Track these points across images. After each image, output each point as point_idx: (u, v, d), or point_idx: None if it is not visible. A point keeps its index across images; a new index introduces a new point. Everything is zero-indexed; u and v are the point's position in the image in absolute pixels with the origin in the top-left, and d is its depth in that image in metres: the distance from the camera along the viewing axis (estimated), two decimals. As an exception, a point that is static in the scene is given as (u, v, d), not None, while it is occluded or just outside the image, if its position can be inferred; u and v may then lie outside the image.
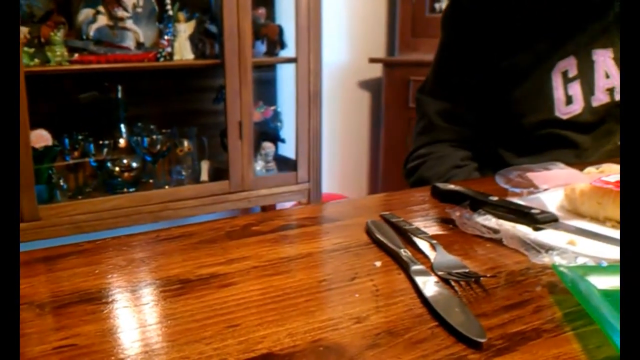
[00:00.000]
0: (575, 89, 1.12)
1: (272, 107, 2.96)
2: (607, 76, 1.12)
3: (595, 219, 0.70)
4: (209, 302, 0.52)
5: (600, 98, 1.11)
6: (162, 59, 2.51)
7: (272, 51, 2.80)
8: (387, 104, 3.18)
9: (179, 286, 0.55)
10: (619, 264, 0.58)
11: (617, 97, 1.12)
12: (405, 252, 0.60)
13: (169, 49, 2.53)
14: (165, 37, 2.54)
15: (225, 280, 0.56)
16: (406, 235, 0.67)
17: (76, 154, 2.44)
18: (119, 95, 2.58)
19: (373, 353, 0.44)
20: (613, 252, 0.58)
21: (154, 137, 2.53)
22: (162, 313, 0.51)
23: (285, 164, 2.85)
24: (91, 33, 2.43)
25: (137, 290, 0.55)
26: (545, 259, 0.59)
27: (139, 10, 2.53)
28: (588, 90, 1.12)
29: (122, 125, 2.59)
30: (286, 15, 2.84)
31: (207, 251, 0.64)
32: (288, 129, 2.93)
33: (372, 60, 3.22)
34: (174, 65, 2.59)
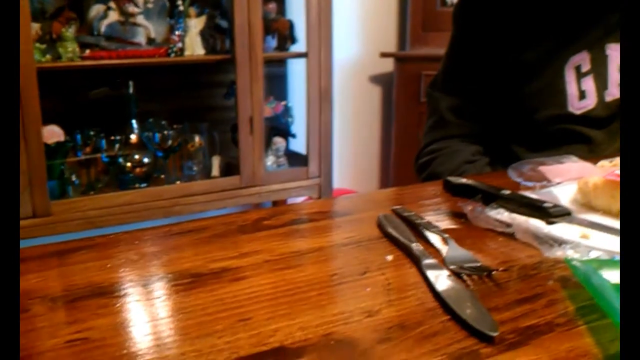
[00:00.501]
0: (589, 84, 1.11)
1: (283, 102, 2.95)
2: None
3: (608, 213, 0.70)
4: (220, 296, 0.52)
5: (613, 93, 1.10)
6: (173, 55, 2.52)
7: (282, 46, 2.79)
8: (399, 98, 3.17)
9: (190, 280, 0.55)
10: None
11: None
12: (417, 246, 0.60)
13: (179, 45, 2.54)
14: (176, 33, 2.54)
15: (237, 274, 0.56)
16: (418, 230, 0.66)
17: (88, 149, 2.45)
18: (130, 91, 2.59)
19: (385, 347, 0.44)
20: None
21: (165, 132, 2.54)
22: (174, 307, 0.51)
23: (296, 159, 2.85)
24: (102, 29, 2.44)
25: (149, 284, 0.56)
26: (558, 253, 0.58)
27: (150, 5, 2.54)
28: (601, 85, 1.11)
29: (134, 121, 2.60)
30: (297, 9, 2.83)
31: (219, 245, 0.64)
32: (299, 124, 2.93)
33: (384, 55, 3.21)
34: (184, 60, 2.59)
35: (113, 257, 0.62)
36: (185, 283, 0.55)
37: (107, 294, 0.53)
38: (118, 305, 0.51)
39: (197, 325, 0.47)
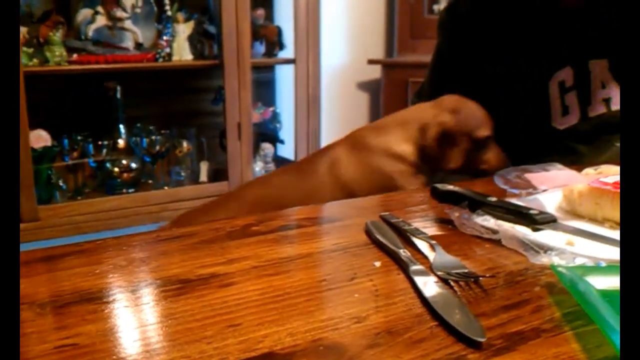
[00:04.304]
0: (572, 100, 1.12)
1: (271, 108, 2.96)
2: (604, 86, 1.12)
3: (593, 220, 0.70)
4: (209, 302, 0.52)
5: (596, 108, 1.12)
6: (160, 60, 2.52)
7: (271, 52, 2.80)
8: (386, 105, 3.18)
9: (179, 286, 0.55)
10: (617, 264, 0.58)
11: (614, 107, 1.12)
12: (404, 253, 0.60)
13: (167, 50, 2.54)
14: (164, 38, 2.54)
15: (225, 280, 0.56)
16: (405, 236, 0.67)
17: (75, 154, 2.45)
18: (118, 95, 2.58)
19: (373, 352, 0.44)
20: (611, 253, 0.59)
21: (153, 137, 2.54)
22: (163, 313, 0.51)
23: (284, 165, 2.85)
24: (90, 33, 2.44)
25: (138, 289, 0.56)
26: (544, 260, 0.59)
27: (138, 10, 2.54)
28: (584, 100, 1.12)
29: (121, 126, 2.60)
30: (285, 16, 2.84)
31: (207, 251, 0.64)
32: (287, 130, 2.93)
33: (371, 62, 3.23)
34: (172, 65, 2.60)
35: (101, 263, 0.62)
36: (174, 289, 0.55)
37: (95, 300, 0.53)
38: (107, 311, 0.51)
39: (186, 331, 0.47)
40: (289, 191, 1.03)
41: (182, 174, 2.67)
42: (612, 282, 0.53)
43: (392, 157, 0.99)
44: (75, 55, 2.37)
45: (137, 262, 0.62)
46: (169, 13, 2.57)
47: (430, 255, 0.61)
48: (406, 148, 1.01)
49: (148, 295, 0.55)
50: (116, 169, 2.52)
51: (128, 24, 2.51)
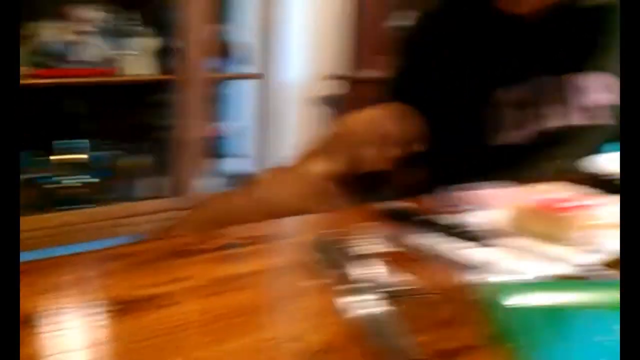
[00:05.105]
0: (521, 115, 1.15)
1: (231, 123, 2.96)
2: (552, 102, 1.16)
3: (530, 236, 0.72)
4: (149, 323, 0.52)
5: (545, 123, 1.15)
6: (120, 74, 2.50)
7: (230, 67, 2.80)
8: (348, 120, 3.19)
9: (120, 307, 0.55)
10: (547, 280, 0.60)
11: (562, 122, 1.15)
12: (346, 270, 0.61)
13: (126, 64, 2.52)
14: (123, 52, 2.53)
15: (166, 300, 0.56)
16: (347, 254, 0.68)
17: (31, 169, 2.41)
18: (77, 110, 2.56)
19: (308, 372, 0.45)
20: (542, 269, 0.60)
21: (112, 152, 2.52)
22: (102, 335, 0.51)
23: (242, 181, 2.85)
24: (51, 47, 2.41)
25: (76, 311, 0.55)
26: (481, 276, 0.60)
27: (99, 25, 2.52)
28: (535, 115, 1.15)
29: (79, 141, 2.57)
30: (246, 31, 2.85)
31: (150, 271, 0.63)
32: (247, 145, 2.93)
33: (332, 77, 3.25)
34: (131, 80, 2.58)
35: (37, 285, 0.60)
36: (115, 310, 0.55)
37: (30, 322, 0.52)
38: (42, 333, 0.51)
39: (125, 354, 0.47)
40: (234, 212, 1.04)
41: (139, 188, 2.65)
42: (541, 298, 0.55)
43: (330, 180, 1.02)
44: (36, 70, 2.34)
45: (76, 282, 0.62)
46: (129, 28, 2.55)
47: (372, 272, 0.62)
48: (342, 167, 1.03)
49: (87, 316, 0.54)
50: (74, 183, 2.49)
51: (89, 38, 2.49)
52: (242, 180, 2.84)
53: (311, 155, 1.04)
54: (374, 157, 1.00)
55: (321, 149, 1.04)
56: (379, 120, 1.05)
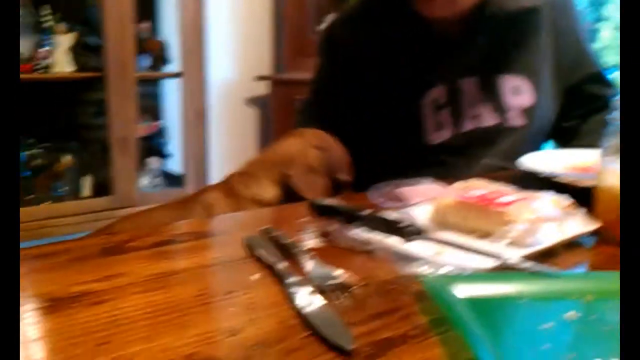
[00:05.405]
0: (445, 116, 1.18)
1: (158, 122, 2.91)
2: (474, 104, 1.19)
3: (461, 231, 0.74)
4: (79, 320, 0.51)
5: (468, 124, 1.18)
6: (41, 71, 2.42)
7: (156, 66, 2.76)
8: (275, 120, 3.20)
9: (49, 304, 0.54)
10: (480, 273, 0.62)
11: (483, 123, 1.19)
12: (281, 265, 0.61)
13: (47, 61, 2.44)
14: (44, 49, 2.45)
15: (97, 297, 0.55)
16: (284, 249, 0.68)
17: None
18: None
19: (245, 364, 0.45)
20: (475, 261, 0.62)
21: (33, 151, 2.43)
22: (31, 332, 0.49)
23: (172, 180, 2.81)
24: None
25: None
26: (413, 269, 0.62)
27: (15, 20, 2.43)
28: (456, 117, 1.19)
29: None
30: (170, 30, 2.81)
31: (80, 268, 0.62)
32: (174, 144, 2.89)
33: (259, 78, 3.25)
34: (53, 77, 2.50)
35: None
36: (43, 307, 0.53)
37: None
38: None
39: (54, 350, 0.46)
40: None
41: (64, 188, 2.57)
42: (475, 289, 0.57)
43: (260, 205, 1.03)
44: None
45: (4, 281, 0.60)
46: (49, 24, 2.48)
47: (307, 267, 0.63)
48: (274, 192, 1.04)
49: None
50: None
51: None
52: (170, 179, 2.80)
53: (244, 178, 1.05)
54: (302, 185, 1.02)
55: (253, 173, 1.05)
56: (304, 150, 1.06)
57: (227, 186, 1.05)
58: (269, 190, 1.02)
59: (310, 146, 1.07)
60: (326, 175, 1.06)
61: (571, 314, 0.53)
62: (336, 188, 1.08)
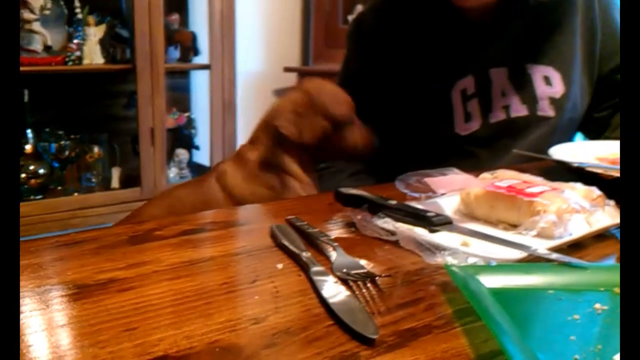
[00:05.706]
0: (474, 107, 1.17)
1: (186, 114, 2.93)
2: (503, 94, 1.18)
3: (488, 222, 0.74)
4: (106, 307, 0.51)
5: (497, 115, 1.17)
6: (70, 63, 2.45)
7: (185, 57, 2.77)
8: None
9: (75, 291, 0.54)
10: (507, 263, 0.61)
11: (513, 114, 1.17)
12: (306, 254, 0.61)
13: (78, 53, 2.47)
14: (75, 41, 2.48)
15: (124, 284, 0.56)
16: (309, 239, 0.68)
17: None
18: (26, 99, 2.50)
19: (269, 352, 0.45)
20: (502, 252, 0.62)
21: (62, 142, 2.46)
22: (58, 318, 0.50)
23: (199, 171, 2.83)
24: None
25: (33, 296, 0.54)
26: (439, 259, 0.61)
27: (47, 12, 2.46)
28: (485, 107, 1.17)
29: (29, 131, 2.51)
30: (200, 21, 2.82)
31: (107, 256, 0.63)
32: (202, 136, 2.91)
33: (287, 70, 3.25)
34: (83, 69, 2.53)
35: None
36: (70, 294, 0.54)
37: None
38: None
39: (81, 336, 0.47)
40: (187, 202, 1.07)
41: (93, 180, 2.60)
42: (502, 280, 0.56)
43: (266, 165, 1.04)
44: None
45: (32, 267, 0.61)
46: (80, 16, 2.50)
47: (332, 256, 0.62)
48: (274, 150, 1.06)
49: (43, 301, 0.53)
50: (23, 175, 2.43)
51: (36, 26, 2.43)
52: (199, 171, 2.82)
53: (248, 144, 1.07)
54: (291, 130, 1.03)
55: (255, 138, 1.07)
56: (288, 98, 1.08)
57: (237, 155, 1.08)
58: (270, 149, 1.05)
59: (295, 93, 1.09)
60: (318, 115, 1.07)
61: (599, 306, 0.52)
62: (338, 128, 1.09)
